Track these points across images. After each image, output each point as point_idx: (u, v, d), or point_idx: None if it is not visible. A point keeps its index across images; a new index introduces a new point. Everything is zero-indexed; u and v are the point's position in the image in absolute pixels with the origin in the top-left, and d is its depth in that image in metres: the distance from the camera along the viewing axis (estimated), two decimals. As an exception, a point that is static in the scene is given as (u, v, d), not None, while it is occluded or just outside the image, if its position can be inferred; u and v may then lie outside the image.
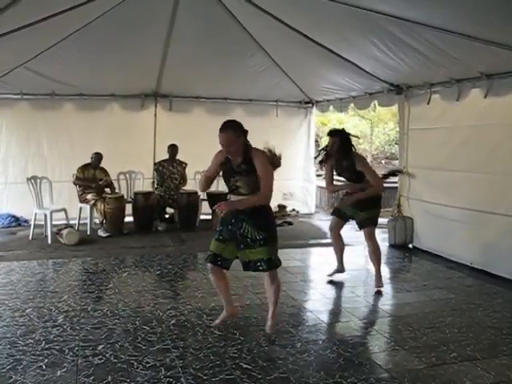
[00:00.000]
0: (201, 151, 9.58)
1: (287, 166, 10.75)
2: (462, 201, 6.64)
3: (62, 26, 6.40)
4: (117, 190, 8.92)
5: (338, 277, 6.14)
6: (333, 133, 5.60)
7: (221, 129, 4.38)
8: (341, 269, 6.10)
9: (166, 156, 9.15)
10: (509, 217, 5.95)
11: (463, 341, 4.24)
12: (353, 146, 5.56)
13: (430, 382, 3.49)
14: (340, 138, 5.50)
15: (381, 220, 9.71)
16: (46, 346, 3.97)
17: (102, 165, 8.64)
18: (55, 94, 8.95)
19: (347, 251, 6.79)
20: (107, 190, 8.70)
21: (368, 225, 5.75)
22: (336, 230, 6.02)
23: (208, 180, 4.63)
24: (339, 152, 5.50)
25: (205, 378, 3.49)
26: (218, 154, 4.57)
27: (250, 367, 3.67)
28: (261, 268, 4.10)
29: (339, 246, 6.10)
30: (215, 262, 4.25)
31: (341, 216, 5.93)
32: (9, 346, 3.95)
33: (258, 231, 4.07)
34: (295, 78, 9.39)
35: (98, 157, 8.55)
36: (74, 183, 8.47)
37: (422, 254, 7.45)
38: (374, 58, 6.75)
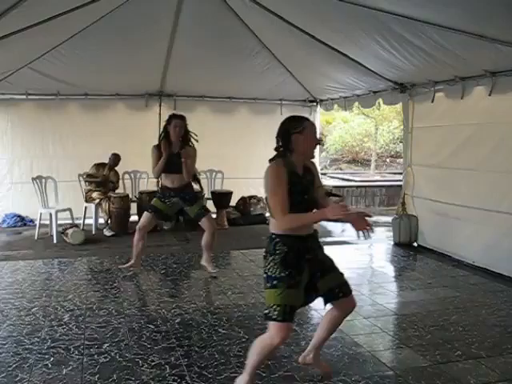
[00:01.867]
0: (205, 150, 9.62)
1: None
2: (467, 199, 6.63)
3: (67, 26, 6.42)
4: (121, 190, 8.94)
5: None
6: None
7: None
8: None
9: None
10: (511, 215, 5.94)
11: (468, 339, 4.25)
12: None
13: (435, 380, 3.49)
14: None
15: (385, 218, 9.78)
16: (52, 345, 4.00)
17: (119, 173, 8.71)
18: (60, 94, 8.99)
19: (351, 249, 6.80)
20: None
21: (205, 213, 6.01)
22: (147, 228, 6.10)
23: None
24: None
25: (209, 376, 3.51)
26: (277, 169, 2.97)
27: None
28: (343, 292, 3.40)
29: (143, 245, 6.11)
30: (292, 319, 3.11)
31: (161, 216, 6.12)
32: (15, 345, 3.97)
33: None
34: (299, 77, 9.39)
35: (115, 158, 8.59)
36: (85, 180, 8.49)
37: (427, 252, 7.45)
38: (378, 56, 6.74)
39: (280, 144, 3.14)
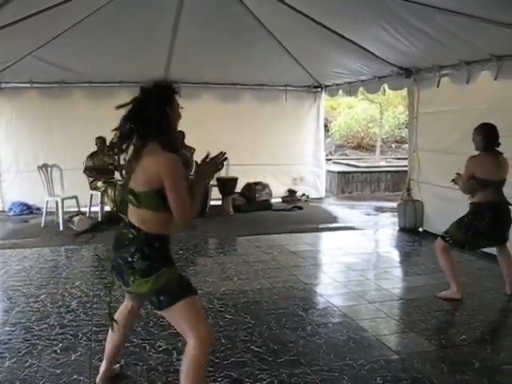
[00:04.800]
0: (210, 137, 9.63)
1: (297, 150, 10.88)
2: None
3: (70, 13, 6.41)
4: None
5: (346, 260, 6.18)
6: None
7: None
8: None
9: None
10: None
11: (472, 323, 4.27)
12: None
13: (440, 364, 3.51)
14: None
15: (391, 204, 9.78)
16: (61, 331, 4.04)
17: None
18: (64, 82, 8.99)
19: (356, 235, 6.84)
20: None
21: None
22: None
23: None
24: None
25: (216, 361, 3.54)
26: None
27: (260, 350, 3.72)
28: None
29: None
30: None
31: None
32: (24, 331, 4.02)
33: None
34: (304, 63, 9.35)
35: (101, 141, 8.55)
36: (84, 173, 8.51)
37: (432, 237, 7.40)
38: (383, 41, 6.70)
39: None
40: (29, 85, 8.92)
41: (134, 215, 2.64)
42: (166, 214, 2.58)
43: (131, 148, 2.70)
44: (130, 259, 2.59)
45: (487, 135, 4.77)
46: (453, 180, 5.00)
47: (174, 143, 2.72)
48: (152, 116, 2.62)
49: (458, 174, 4.93)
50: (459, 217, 4.86)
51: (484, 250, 6.30)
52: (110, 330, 3.13)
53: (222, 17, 7.17)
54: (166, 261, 2.67)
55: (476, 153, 4.76)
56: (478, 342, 3.87)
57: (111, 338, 3.17)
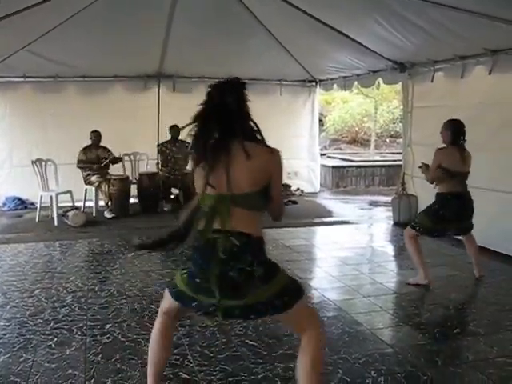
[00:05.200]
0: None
1: (291, 145, 10.88)
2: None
3: (64, 7, 6.38)
4: (121, 172, 8.94)
5: (341, 254, 6.20)
6: None
7: None
8: None
9: (169, 137, 9.17)
10: (511, 194, 5.96)
11: (466, 316, 4.30)
12: None
13: (434, 357, 3.53)
14: None
15: (385, 198, 9.80)
16: (55, 326, 4.04)
17: (108, 146, 8.67)
18: (58, 76, 8.95)
19: (351, 229, 6.84)
20: (116, 165, 8.77)
21: None
22: None
23: None
24: None
25: (211, 355, 3.55)
26: None
27: (255, 344, 3.73)
28: None
29: None
30: None
31: None
32: (19, 326, 4.02)
33: None
34: (299, 57, 9.35)
35: (96, 135, 8.55)
36: (78, 167, 8.50)
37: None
38: (378, 35, 6.71)
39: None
40: (22, 79, 8.87)
41: (239, 220, 2.35)
42: (262, 213, 2.47)
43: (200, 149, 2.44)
44: (248, 269, 2.32)
45: (455, 130, 5.08)
46: (420, 167, 5.31)
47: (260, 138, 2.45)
48: (235, 112, 2.42)
49: (424, 163, 5.27)
50: (426, 206, 5.21)
51: (477, 243, 6.38)
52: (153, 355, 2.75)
53: (217, 11, 7.15)
54: (274, 262, 2.51)
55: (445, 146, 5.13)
56: (472, 336, 3.89)
57: (158, 361, 2.76)
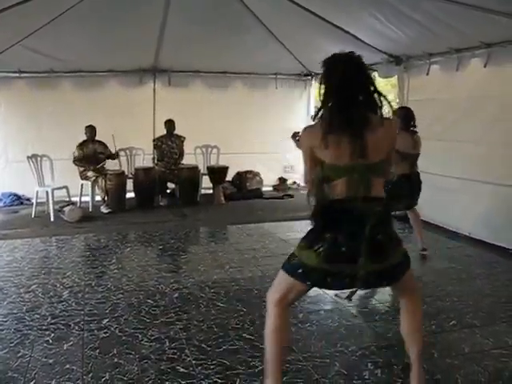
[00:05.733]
0: (201, 125, 9.63)
1: (287, 138, 10.85)
2: (461, 171, 6.64)
3: (58, 2, 6.36)
4: (117, 167, 8.93)
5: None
6: None
7: None
8: None
9: (165, 131, 9.16)
10: (508, 187, 5.97)
11: (463, 309, 4.31)
12: None
13: (430, 349, 3.54)
14: None
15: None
16: (52, 321, 4.04)
17: (104, 142, 8.67)
18: (53, 71, 8.91)
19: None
20: (112, 160, 8.76)
21: None
22: None
23: None
24: None
25: (208, 349, 3.56)
26: None
27: (252, 338, 3.74)
28: None
29: None
30: None
31: None
32: (16, 322, 4.02)
33: None
34: (294, 51, 9.33)
35: (91, 129, 8.54)
36: (75, 164, 8.47)
37: (422, 224, 7.46)
38: (373, 29, 6.71)
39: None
40: (17, 74, 8.83)
41: (375, 187, 2.49)
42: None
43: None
44: (389, 231, 2.54)
45: (405, 117, 5.52)
46: None
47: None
48: (363, 85, 2.53)
49: None
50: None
51: (473, 236, 6.41)
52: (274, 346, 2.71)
53: (213, 5, 7.13)
54: None
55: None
56: (468, 328, 3.91)
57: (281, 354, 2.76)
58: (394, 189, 4.99)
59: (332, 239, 2.44)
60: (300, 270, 2.57)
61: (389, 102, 2.58)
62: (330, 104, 2.51)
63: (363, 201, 2.44)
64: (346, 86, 2.47)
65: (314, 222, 2.60)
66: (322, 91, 2.55)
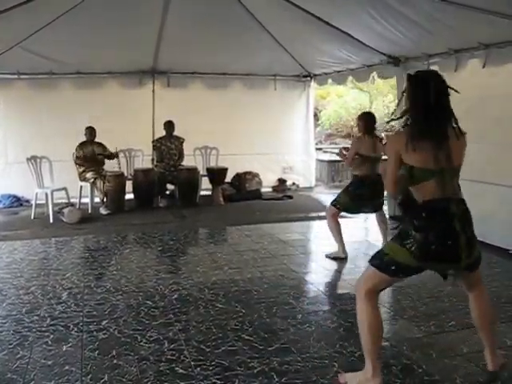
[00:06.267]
0: (200, 126, 9.64)
1: (286, 139, 10.88)
2: (462, 171, 6.62)
3: (57, 3, 6.36)
4: (116, 168, 8.94)
5: (337, 248, 6.22)
6: None
7: None
8: None
9: (164, 132, 9.17)
10: (507, 187, 5.97)
11: (462, 309, 4.29)
12: None
13: (429, 350, 3.55)
14: None
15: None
16: (52, 323, 4.04)
17: (103, 143, 8.67)
18: (53, 72, 8.92)
19: (346, 223, 6.87)
20: (112, 161, 8.76)
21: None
22: None
23: None
24: None
25: (207, 350, 3.56)
26: None
27: (251, 339, 3.74)
28: None
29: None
30: None
31: None
32: (15, 323, 4.02)
33: None
34: (293, 52, 9.35)
35: (90, 131, 8.55)
36: (76, 163, 8.48)
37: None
38: (372, 30, 6.72)
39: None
40: (16, 76, 8.84)
41: (456, 189, 2.90)
42: None
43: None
44: (473, 229, 2.84)
45: (366, 121, 5.83)
46: (337, 154, 6.21)
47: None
48: (447, 100, 2.86)
49: (344, 148, 6.18)
50: (344, 187, 6.06)
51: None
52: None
53: (211, 6, 7.13)
54: None
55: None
56: (467, 328, 3.89)
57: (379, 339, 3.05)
58: (354, 189, 5.84)
59: (423, 238, 2.71)
60: (393, 267, 2.83)
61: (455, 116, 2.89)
62: (417, 114, 2.84)
63: (451, 201, 2.78)
64: (434, 100, 2.77)
65: (403, 221, 2.88)
66: (409, 102, 2.88)
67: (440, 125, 2.81)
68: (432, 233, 2.69)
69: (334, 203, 5.91)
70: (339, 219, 5.98)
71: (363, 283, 2.95)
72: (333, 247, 6.29)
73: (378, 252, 2.97)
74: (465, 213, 2.82)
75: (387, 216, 6.70)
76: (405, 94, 2.92)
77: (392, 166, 2.86)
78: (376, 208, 6.05)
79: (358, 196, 5.78)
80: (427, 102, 2.78)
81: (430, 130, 2.77)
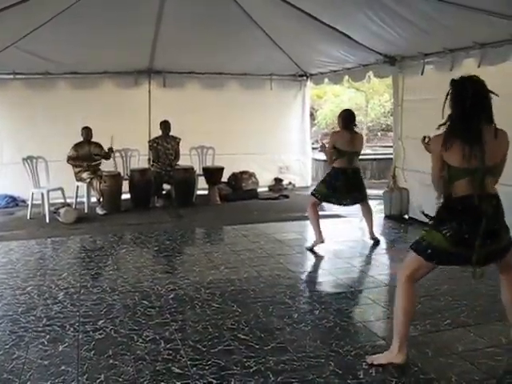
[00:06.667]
0: (196, 126, 9.64)
1: (283, 139, 10.89)
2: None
3: (52, 3, 6.35)
4: (113, 168, 8.93)
5: (332, 248, 6.24)
6: None
7: None
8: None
9: (160, 133, 9.17)
10: (503, 185, 5.97)
11: (457, 308, 4.32)
12: None
13: (425, 349, 3.56)
14: None
15: (376, 191, 9.83)
16: (48, 323, 4.04)
17: (100, 143, 8.66)
18: (48, 72, 8.91)
19: (342, 222, 6.89)
20: (107, 161, 8.75)
21: None
22: None
23: None
24: None
25: (204, 349, 3.56)
26: None
27: (247, 338, 3.74)
28: None
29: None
30: None
31: None
32: (11, 324, 4.01)
33: None
34: (289, 52, 9.35)
35: (87, 131, 8.53)
36: (68, 163, 8.46)
37: (418, 224, 7.49)
38: (367, 29, 6.72)
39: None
40: (11, 76, 8.82)
41: (492, 185, 3.12)
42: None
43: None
44: (502, 220, 3.15)
45: (345, 117, 6.11)
46: (319, 149, 6.65)
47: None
48: (486, 104, 3.08)
49: (323, 143, 6.49)
50: (323, 177, 6.54)
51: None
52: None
53: (207, 6, 7.13)
54: None
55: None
56: (462, 327, 3.92)
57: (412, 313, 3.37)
58: (330, 180, 6.20)
59: (458, 227, 3.05)
60: (429, 251, 3.16)
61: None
62: (457, 117, 3.09)
63: (482, 198, 3.02)
64: (470, 102, 3.03)
65: (442, 212, 3.20)
66: (453, 106, 3.14)
67: (474, 125, 3.02)
68: (465, 224, 3.04)
69: (313, 192, 6.32)
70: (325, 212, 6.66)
71: (404, 269, 3.31)
72: (329, 245, 6.31)
73: (418, 238, 3.30)
74: (495, 208, 3.09)
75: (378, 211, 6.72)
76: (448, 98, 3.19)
77: (434, 165, 3.22)
78: (356, 201, 6.39)
79: (335, 187, 6.10)
80: (463, 105, 3.05)
81: (462, 131, 3.02)
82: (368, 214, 6.54)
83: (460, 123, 3.05)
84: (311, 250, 6.19)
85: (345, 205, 6.46)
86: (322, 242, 6.18)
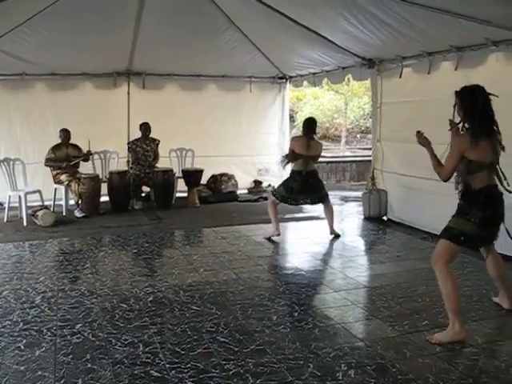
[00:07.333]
0: (175, 128, 9.62)
1: (262, 141, 10.90)
2: (434, 173, 6.70)
3: (30, 3, 6.28)
4: (91, 170, 8.86)
5: (312, 249, 6.26)
6: None
7: None
8: None
9: (140, 134, 9.12)
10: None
11: (435, 309, 4.36)
12: None
13: (403, 349, 3.59)
14: None
15: (355, 193, 9.91)
16: (24, 327, 3.98)
17: (78, 145, 8.58)
18: (26, 73, 8.80)
19: (321, 224, 6.91)
20: (86, 163, 8.69)
21: None
22: None
23: None
24: None
25: (182, 352, 3.55)
26: None
27: (227, 341, 3.74)
28: None
29: None
30: None
31: None
32: (-14, 328, 3.96)
33: None
34: (268, 54, 9.36)
35: (65, 133, 8.45)
36: (46, 165, 8.38)
37: (396, 225, 7.57)
38: (345, 32, 6.76)
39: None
40: (-12, 77, 8.72)
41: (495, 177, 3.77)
42: None
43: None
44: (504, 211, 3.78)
45: (306, 126, 6.74)
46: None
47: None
48: (490, 105, 3.66)
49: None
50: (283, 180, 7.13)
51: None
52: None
53: (185, 8, 7.12)
54: None
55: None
56: (440, 327, 3.94)
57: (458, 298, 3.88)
58: (287, 182, 6.81)
59: (483, 214, 3.63)
60: (462, 238, 3.72)
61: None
62: (472, 119, 3.64)
63: (496, 187, 3.73)
64: (487, 107, 3.62)
65: (465, 202, 3.74)
66: (463, 111, 3.72)
67: (489, 125, 3.64)
68: (488, 211, 3.65)
69: (273, 192, 7.05)
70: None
71: (440, 257, 3.82)
72: (308, 247, 6.34)
73: (445, 229, 3.86)
74: (501, 196, 3.73)
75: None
76: (456, 107, 3.80)
77: (454, 160, 3.70)
78: (314, 201, 6.95)
79: (291, 188, 6.67)
80: (477, 108, 3.59)
81: (483, 130, 3.60)
82: (329, 212, 7.01)
83: (483, 124, 3.60)
84: (268, 239, 6.83)
85: (303, 204, 7.13)
86: (278, 234, 6.82)
